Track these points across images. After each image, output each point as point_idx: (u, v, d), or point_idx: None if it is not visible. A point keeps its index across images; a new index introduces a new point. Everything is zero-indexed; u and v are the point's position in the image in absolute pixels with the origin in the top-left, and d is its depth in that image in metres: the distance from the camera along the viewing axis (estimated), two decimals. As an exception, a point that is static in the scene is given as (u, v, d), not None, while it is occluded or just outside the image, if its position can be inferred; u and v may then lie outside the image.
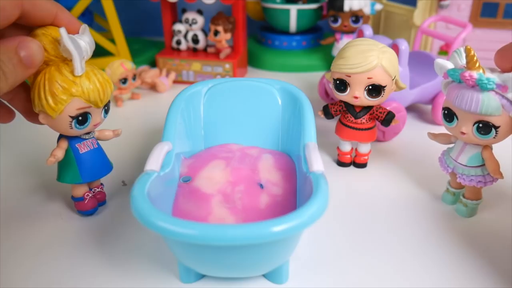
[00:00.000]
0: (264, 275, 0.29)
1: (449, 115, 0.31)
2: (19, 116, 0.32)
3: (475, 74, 0.28)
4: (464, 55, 0.30)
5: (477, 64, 0.28)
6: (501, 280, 0.28)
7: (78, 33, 0.29)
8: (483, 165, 0.32)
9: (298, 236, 0.26)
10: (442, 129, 0.37)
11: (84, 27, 0.29)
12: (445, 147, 0.35)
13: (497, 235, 0.33)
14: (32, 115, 0.31)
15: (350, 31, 0.63)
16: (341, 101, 0.39)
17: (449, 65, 0.30)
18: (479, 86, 0.28)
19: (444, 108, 0.31)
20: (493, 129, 0.29)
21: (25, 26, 0.28)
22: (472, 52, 0.28)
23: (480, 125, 0.29)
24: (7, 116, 0.31)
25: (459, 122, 0.30)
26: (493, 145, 0.32)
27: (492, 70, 0.29)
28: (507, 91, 0.27)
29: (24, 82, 0.30)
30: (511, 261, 0.30)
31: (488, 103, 0.28)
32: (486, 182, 0.32)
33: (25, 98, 0.31)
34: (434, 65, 0.31)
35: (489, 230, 0.33)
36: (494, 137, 0.29)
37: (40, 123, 0.31)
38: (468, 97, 0.29)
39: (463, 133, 0.30)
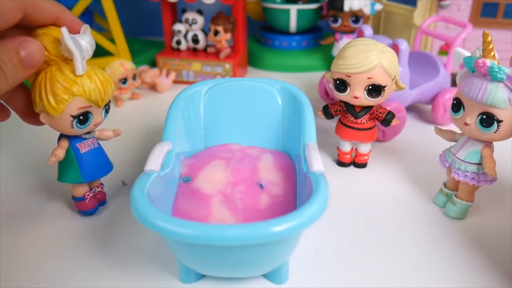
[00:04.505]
0: (264, 275, 0.29)
1: (457, 105, 0.31)
2: (19, 117, 0.32)
3: (488, 61, 0.28)
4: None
5: (493, 53, 0.29)
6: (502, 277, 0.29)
7: (79, 33, 0.29)
8: (480, 164, 0.32)
9: (298, 236, 0.26)
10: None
11: (86, 27, 0.29)
12: (448, 144, 0.35)
13: (496, 237, 0.33)
14: (29, 116, 0.31)
15: (350, 31, 0.63)
16: (341, 101, 0.39)
17: (467, 53, 0.31)
18: (490, 74, 0.28)
19: (454, 99, 0.32)
20: (495, 123, 0.29)
21: (26, 26, 0.28)
22: (489, 38, 0.28)
23: (484, 116, 0.30)
24: (2, 115, 0.31)
25: (465, 112, 0.31)
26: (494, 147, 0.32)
27: None
28: None
29: (22, 83, 0.30)
30: (510, 259, 0.30)
31: (495, 94, 0.28)
32: (479, 181, 0.32)
33: (23, 99, 0.30)
34: (453, 53, 0.32)
35: (487, 232, 0.33)
36: (495, 131, 0.30)
37: (37, 124, 0.31)
38: (477, 86, 0.29)
39: (466, 124, 0.31)
